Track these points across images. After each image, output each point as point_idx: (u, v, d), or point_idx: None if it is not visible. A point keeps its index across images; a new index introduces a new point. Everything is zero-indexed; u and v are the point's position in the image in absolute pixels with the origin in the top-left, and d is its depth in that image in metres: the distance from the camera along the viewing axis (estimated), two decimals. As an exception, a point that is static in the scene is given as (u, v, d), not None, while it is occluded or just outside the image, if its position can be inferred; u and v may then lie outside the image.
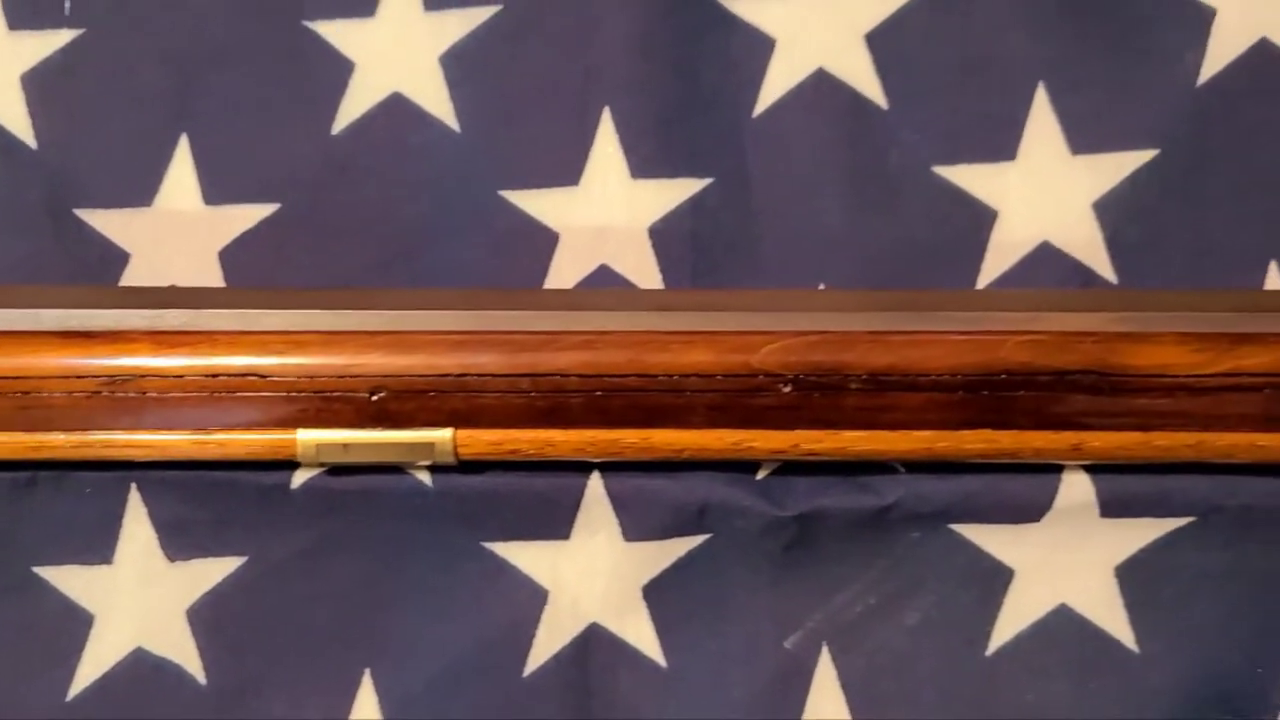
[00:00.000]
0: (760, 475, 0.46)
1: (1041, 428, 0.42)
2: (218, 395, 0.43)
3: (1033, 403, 0.42)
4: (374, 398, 0.43)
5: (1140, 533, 0.45)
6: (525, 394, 0.43)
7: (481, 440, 0.44)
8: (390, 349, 0.43)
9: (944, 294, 0.46)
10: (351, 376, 0.43)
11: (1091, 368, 0.42)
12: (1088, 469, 0.45)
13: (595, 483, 0.46)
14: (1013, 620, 0.46)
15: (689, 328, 0.43)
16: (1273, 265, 0.48)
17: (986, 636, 0.46)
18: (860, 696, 0.46)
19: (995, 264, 0.48)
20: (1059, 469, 0.45)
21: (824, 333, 0.42)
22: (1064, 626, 0.46)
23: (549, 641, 0.46)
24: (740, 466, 0.46)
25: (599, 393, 0.43)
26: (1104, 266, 0.48)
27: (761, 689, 0.46)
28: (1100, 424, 0.42)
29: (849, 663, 0.46)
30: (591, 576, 0.47)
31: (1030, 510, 0.45)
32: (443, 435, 0.43)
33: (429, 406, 0.43)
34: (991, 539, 0.46)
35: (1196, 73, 0.49)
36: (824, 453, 0.43)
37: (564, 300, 0.44)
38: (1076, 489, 0.45)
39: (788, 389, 0.42)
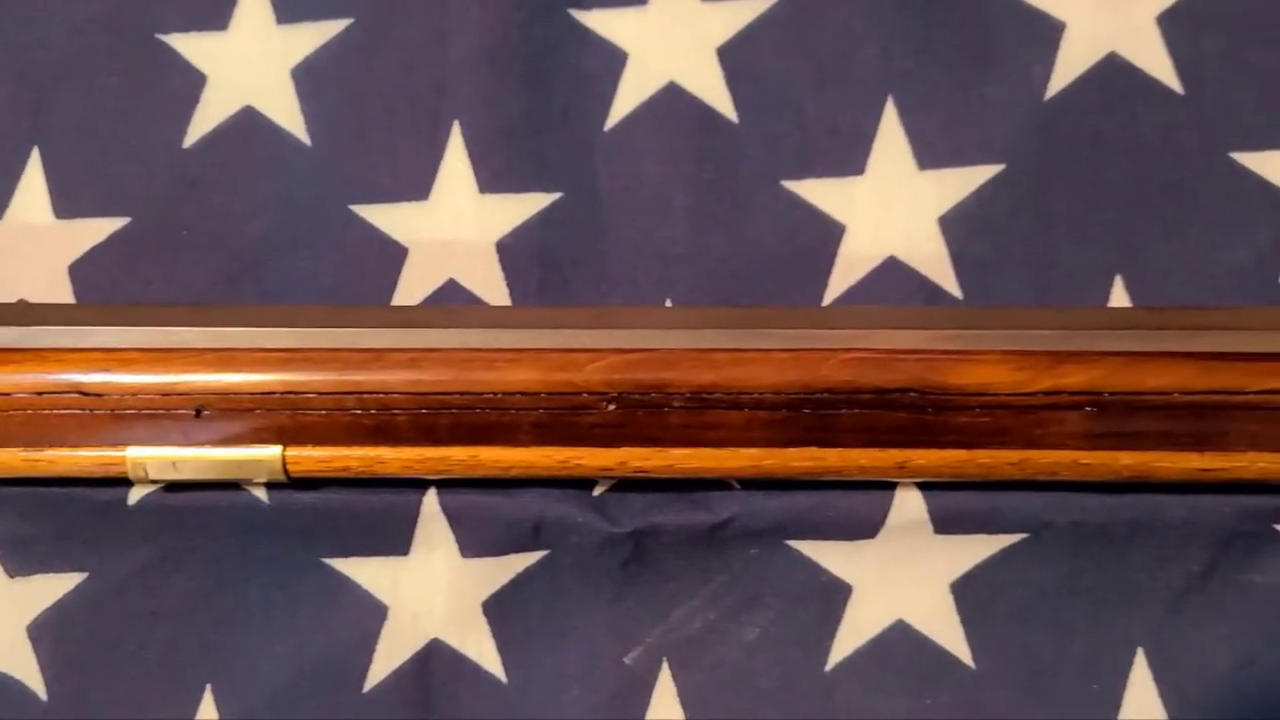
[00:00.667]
0: (597, 492, 0.46)
1: (866, 445, 0.42)
2: (45, 413, 0.43)
3: (856, 421, 0.42)
4: (200, 415, 0.43)
5: (974, 549, 0.45)
6: (352, 412, 0.43)
7: (310, 458, 0.43)
8: (216, 366, 0.43)
9: (782, 310, 0.46)
10: (178, 394, 0.43)
11: (912, 386, 0.42)
12: (920, 486, 0.45)
13: (431, 499, 0.46)
14: (851, 636, 0.46)
15: (517, 345, 0.43)
16: (1119, 280, 0.48)
17: (825, 652, 0.46)
18: (699, 712, 0.46)
19: (842, 279, 0.48)
20: (892, 486, 0.45)
21: (648, 351, 0.42)
22: (901, 642, 0.46)
23: (389, 657, 0.46)
24: (577, 483, 0.46)
25: (425, 410, 0.43)
26: (949, 282, 0.48)
27: (601, 705, 0.46)
28: (924, 441, 0.42)
29: (688, 678, 0.46)
30: (431, 592, 0.47)
31: (865, 526, 0.45)
32: (271, 453, 0.43)
33: (256, 424, 0.43)
34: (828, 555, 0.46)
35: (1044, 87, 0.49)
36: (652, 470, 0.43)
37: (393, 317, 0.44)
38: (909, 506, 0.45)
39: (611, 407, 0.42)
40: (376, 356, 0.43)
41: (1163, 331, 0.42)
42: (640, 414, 0.42)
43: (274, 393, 0.43)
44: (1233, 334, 0.42)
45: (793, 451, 0.43)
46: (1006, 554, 0.45)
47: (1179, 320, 0.42)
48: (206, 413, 0.43)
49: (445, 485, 0.46)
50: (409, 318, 0.44)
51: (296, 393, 0.43)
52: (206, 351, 0.43)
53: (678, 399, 0.42)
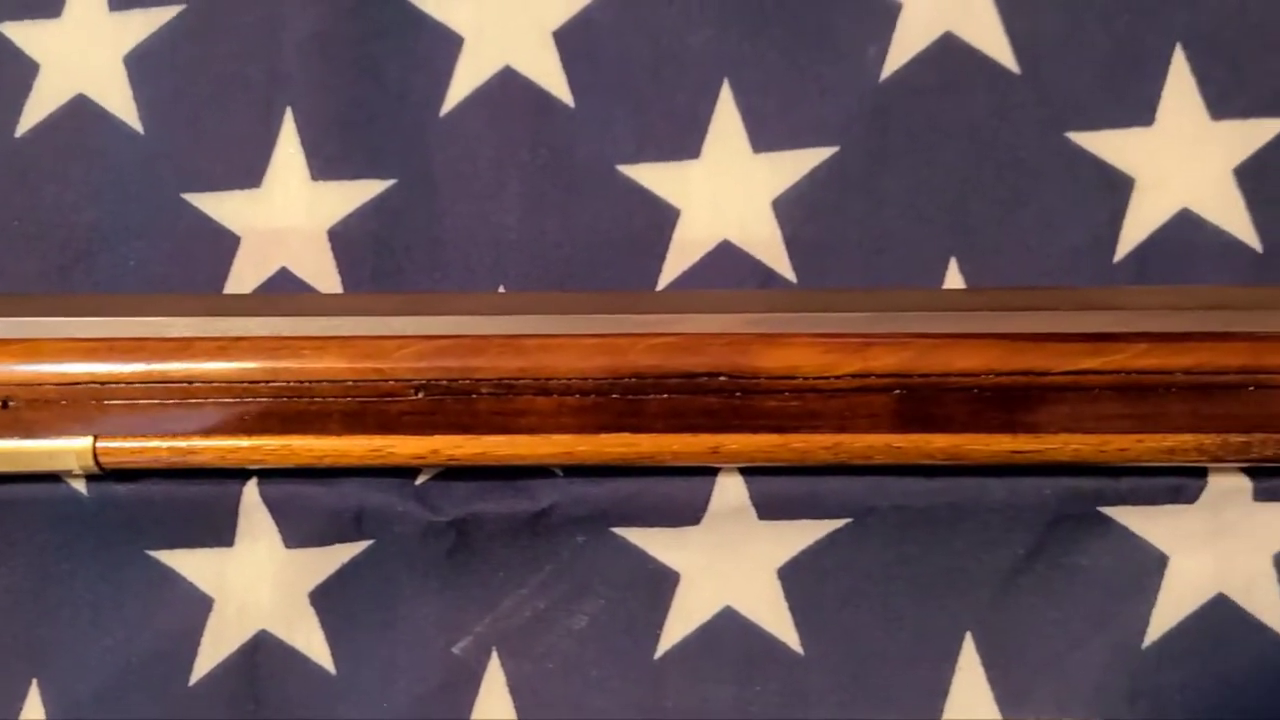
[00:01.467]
0: (419, 480, 0.46)
1: (678, 431, 0.42)
2: None
3: (665, 406, 0.42)
4: (7, 406, 0.43)
5: (799, 535, 0.45)
6: (162, 401, 0.42)
7: (122, 449, 0.43)
8: (22, 357, 0.42)
9: (599, 296, 0.46)
10: (-16, 385, 0.43)
11: (720, 370, 0.41)
12: (742, 471, 0.45)
13: (251, 489, 0.45)
14: (680, 624, 0.46)
15: (328, 332, 0.42)
16: (953, 262, 0.47)
17: (655, 640, 0.46)
18: (528, 701, 0.46)
19: (676, 263, 0.48)
20: (713, 471, 0.45)
21: (455, 337, 0.42)
22: (729, 629, 0.45)
23: (215, 650, 0.46)
24: (400, 472, 0.46)
25: (234, 400, 0.42)
26: (783, 265, 0.48)
27: (429, 694, 0.46)
28: (736, 426, 0.42)
29: (517, 667, 0.46)
30: (257, 584, 0.46)
31: (687, 513, 0.45)
32: (82, 444, 0.43)
33: (65, 415, 0.43)
34: (654, 542, 0.46)
35: (880, 67, 0.48)
36: (464, 458, 0.43)
37: (205, 305, 0.44)
38: (730, 492, 0.45)
39: (419, 395, 0.42)
40: (184, 345, 0.42)
41: (976, 313, 0.42)
42: (448, 401, 0.42)
43: (81, 383, 0.42)
44: (1045, 315, 0.41)
45: (605, 438, 0.42)
46: (831, 539, 0.45)
47: (994, 301, 0.42)
48: (13, 404, 0.42)
49: (266, 475, 0.45)
50: (222, 306, 0.44)
51: (104, 383, 0.42)
52: (12, 342, 0.42)
53: (485, 386, 0.42)
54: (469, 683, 0.46)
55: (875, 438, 0.42)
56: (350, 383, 0.42)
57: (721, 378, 0.41)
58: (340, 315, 0.43)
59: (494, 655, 0.46)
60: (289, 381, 0.42)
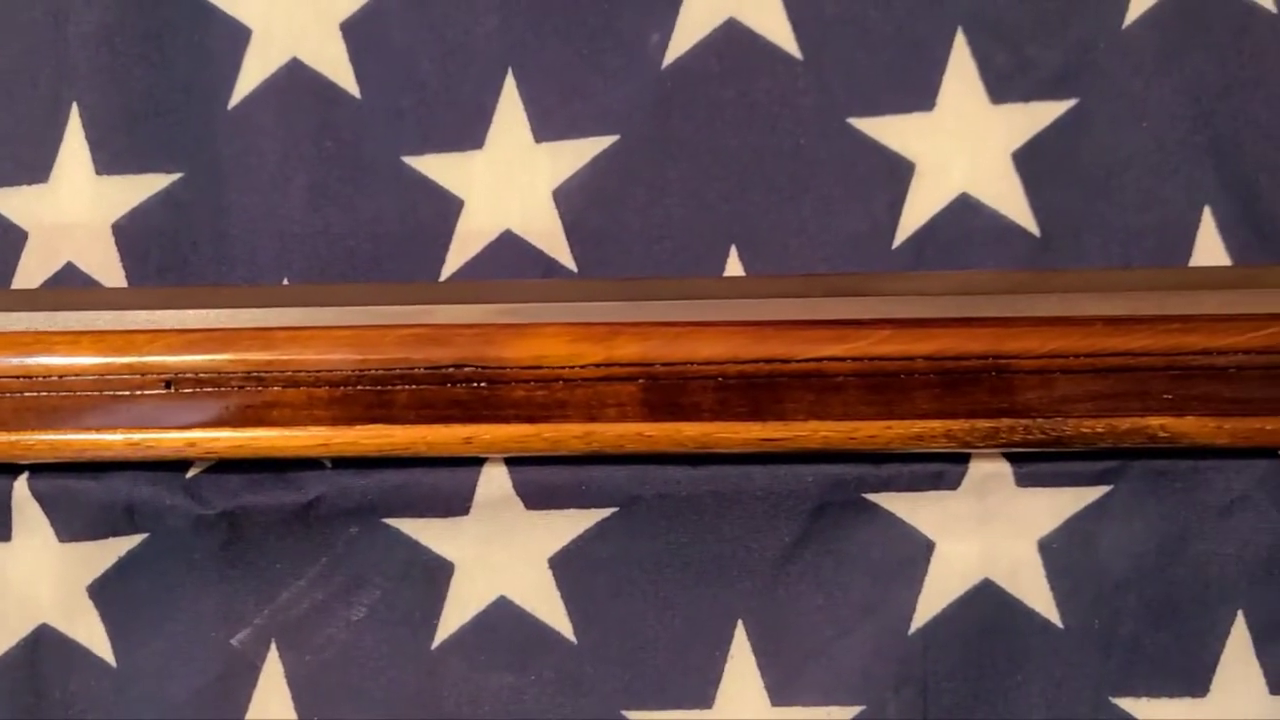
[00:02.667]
0: (191, 473, 0.46)
1: (430, 422, 0.42)
2: None
3: (415, 397, 0.42)
4: None
5: (568, 524, 0.45)
6: (-80, 397, 0.43)
7: (-117, 445, 0.43)
8: None
9: (363, 287, 0.46)
10: None
11: (467, 361, 0.41)
12: (506, 462, 0.45)
13: (21, 484, 0.46)
14: (456, 613, 0.46)
15: (84, 327, 0.42)
16: (733, 250, 0.47)
17: (432, 630, 0.46)
18: (307, 692, 0.46)
19: (459, 254, 0.48)
20: (479, 461, 0.45)
21: (204, 331, 0.42)
22: (504, 619, 0.46)
23: (-5, 644, 0.47)
24: (173, 465, 0.46)
25: (-7, 395, 0.43)
26: (564, 255, 0.47)
27: (208, 686, 0.46)
28: (488, 416, 0.42)
29: (296, 659, 0.46)
30: (36, 578, 0.46)
31: (455, 503, 0.45)
32: None
33: None
34: (426, 532, 0.46)
35: (662, 54, 0.48)
36: (223, 451, 0.43)
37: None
38: (495, 482, 0.45)
39: (169, 388, 0.42)
40: (-61, 341, 0.43)
41: (724, 301, 0.41)
42: (199, 393, 0.42)
43: None
44: (792, 302, 0.41)
45: (361, 429, 0.42)
46: (600, 528, 0.45)
47: (746, 289, 0.42)
48: None
49: (37, 470, 0.46)
50: (-21, 301, 0.44)
51: None
52: None
53: (235, 378, 0.42)
54: (248, 674, 0.46)
55: (626, 427, 0.42)
56: (103, 377, 0.42)
57: (468, 368, 0.41)
58: (104, 310, 0.43)
59: (273, 647, 0.46)
60: (45, 376, 0.42)
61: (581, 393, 0.41)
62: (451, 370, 0.41)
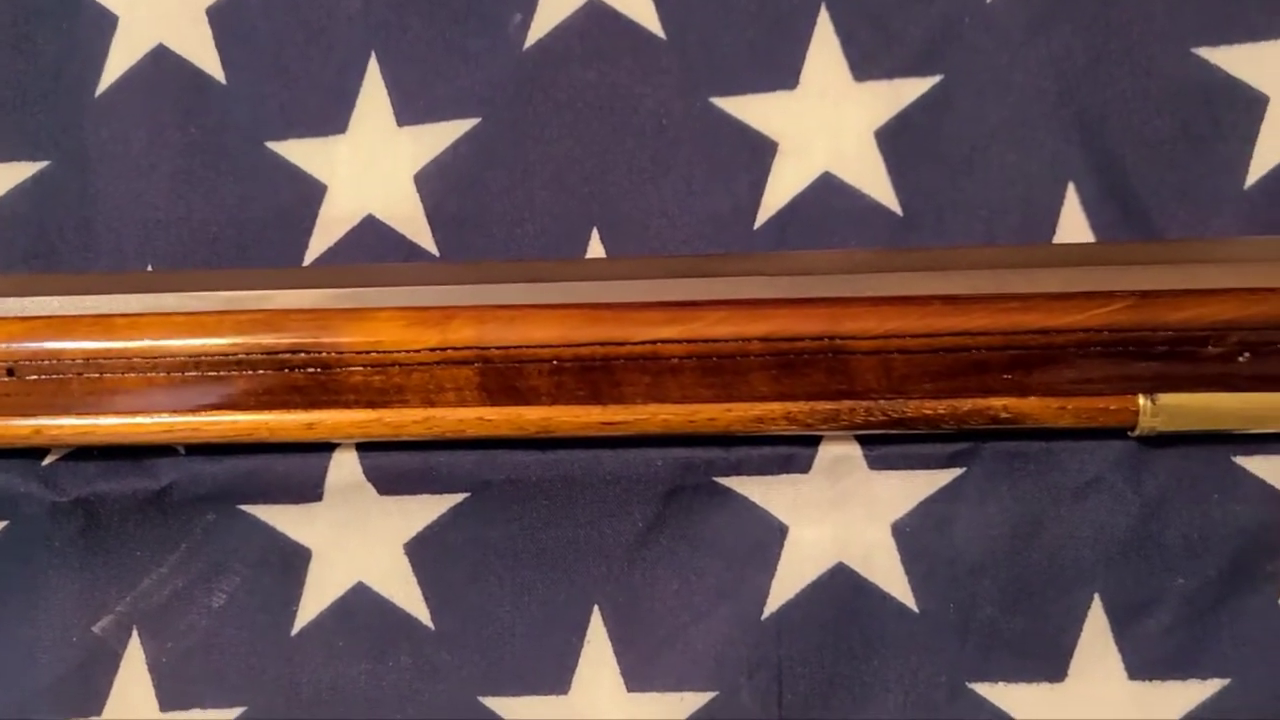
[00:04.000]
0: (48, 460, 0.46)
1: (271, 408, 0.42)
2: None
3: (255, 383, 0.41)
4: None
5: (422, 510, 0.45)
6: None
7: None
8: None
9: (212, 273, 0.45)
10: None
11: (301, 346, 0.41)
12: (357, 447, 0.44)
13: (-121, 473, 0.46)
14: (315, 600, 0.46)
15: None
16: (595, 232, 0.47)
17: (292, 617, 0.46)
18: (168, 679, 0.46)
19: (322, 240, 0.48)
20: (330, 447, 0.45)
21: (46, 318, 0.42)
22: (362, 605, 0.45)
23: None
24: (32, 453, 0.46)
25: None
26: (425, 239, 0.47)
27: (69, 674, 0.46)
28: (327, 402, 0.42)
29: (157, 646, 0.46)
30: (-100, 566, 0.47)
31: (307, 489, 0.45)
32: None
33: None
34: (282, 519, 0.45)
35: (524, 36, 0.48)
36: (68, 438, 0.43)
37: None
38: (346, 468, 0.44)
39: (10, 376, 0.42)
40: None
41: (564, 284, 0.41)
42: (41, 381, 0.42)
43: None
44: (630, 284, 0.40)
45: (201, 416, 0.42)
46: (454, 514, 0.45)
47: (579, 272, 0.41)
48: None
49: (-104, 458, 0.46)
50: None
51: None
52: None
53: (74, 365, 0.42)
54: (109, 662, 0.46)
55: (465, 411, 0.41)
56: (-55, 365, 0.42)
57: (303, 354, 0.41)
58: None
59: (135, 634, 0.46)
60: (-111, 365, 0.42)
61: (419, 377, 0.41)
62: (287, 356, 0.41)
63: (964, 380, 0.40)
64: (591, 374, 0.40)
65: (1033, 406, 0.40)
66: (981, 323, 0.39)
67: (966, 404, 0.40)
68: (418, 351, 0.41)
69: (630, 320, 0.40)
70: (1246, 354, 0.38)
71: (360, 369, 0.41)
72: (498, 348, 0.40)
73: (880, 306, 0.39)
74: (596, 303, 0.40)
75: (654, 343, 0.40)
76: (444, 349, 0.40)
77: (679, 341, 0.40)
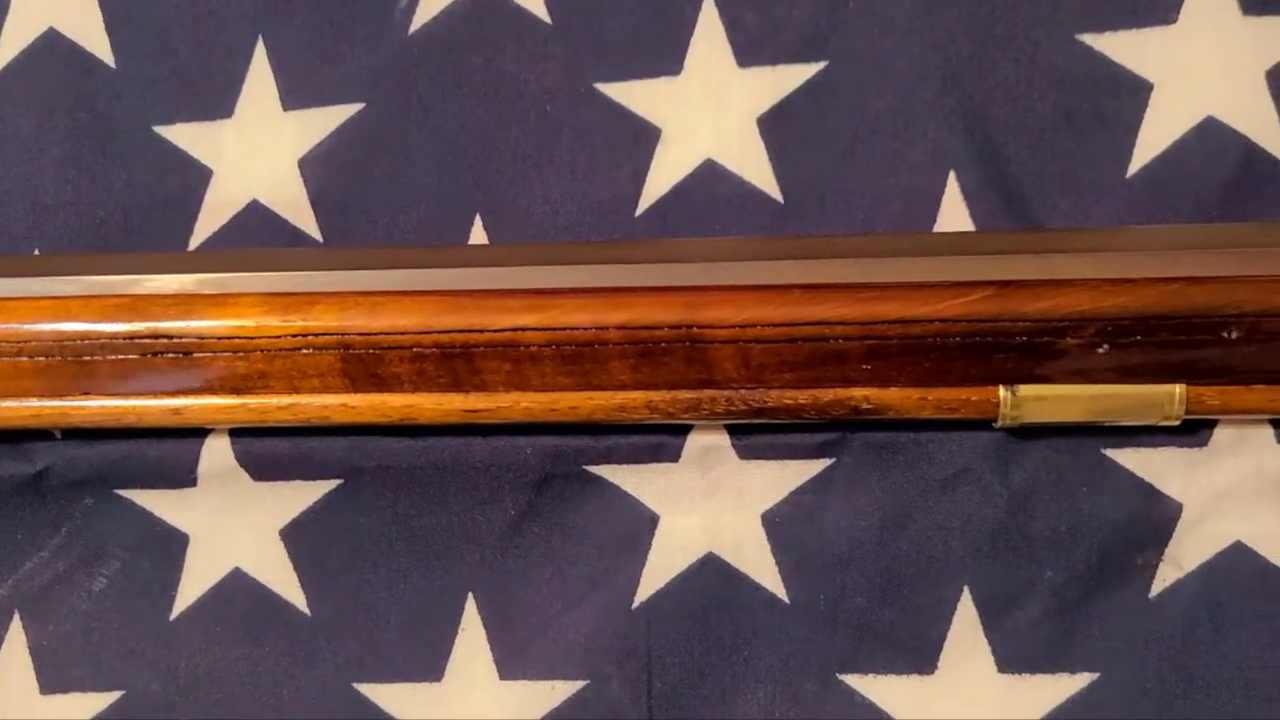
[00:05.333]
0: (-71, 444, 0.46)
1: (136, 393, 0.42)
2: None
3: (117, 368, 0.41)
4: None
5: (297, 496, 0.45)
6: None
7: None
8: None
9: (77, 258, 0.45)
10: None
11: (163, 331, 0.41)
12: (230, 433, 0.44)
13: None
14: (193, 585, 0.46)
15: None
16: (478, 219, 0.46)
17: (170, 602, 0.46)
18: (49, 663, 0.46)
19: (207, 225, 0.48)
20: (203, 433, 0.45)
21: (-95, 302, 0.42)
22: (239, 591, 0.45)
23: None
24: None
25: None
26: (310, 225, 0.47)
27: (-50, 659, 0.46)
28: (192, 388, 0.41)
29: (38, 629, 0.46)
30: None
31: (181, 474, 0.45)
32: None
33: None
34: (159, 504, 0.46)
35: (409, 21, 0.47)
36: (-63, 422, 0.43)
37: None
38: (219, 453, 0.44)
39: (-123, 359, 0.42)
40: None
41: (427, 270, 0.41)
42: (-91, 365, 0.42)
43: None
44: (487, 271, 0.40)
45: (68, 401, 0.42)
46: (328, 500, 0.45)
47: (446, 258, 0.41)
48: None
49: None
50: None
51: None
52: None
53: (-60, 349, 0.42)
54: (-10, 645, 0.47)
55: (330, 398, 0.41)
56: None
57: (162, 339, 0.41)
58: None
59: (16, 618, 0.46)
60: None
61: (281, 363, 0.41)
62: (149, 341, 0.41)
63: (823, 370, 0.39)
64: (452, 361, 0.40)
65: (894, 397, 0.39)
66: (839, 312, 0.38)
67: (828, 394, 0.40)
68: (279, 338, 0.40)
69: (489, 307, 0.40)
70: (1105, 345, 0.38)
71: (223, 355, 0.41)
72: (359, 334, 0.40)
73: (737, 295, 0.39)
74: (456, 290, 0.40)
75: (513, 330, 0.39)
76: (305, 335, 0.40)
77: (538, 329, 0.39)
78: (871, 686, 0.42)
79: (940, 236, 0.42)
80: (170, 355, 0.41)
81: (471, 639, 0.44)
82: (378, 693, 0.44)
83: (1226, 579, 0.41)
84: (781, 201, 0.45)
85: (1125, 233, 0.41)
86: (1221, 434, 0.41)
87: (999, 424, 0.40)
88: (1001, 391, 0.39)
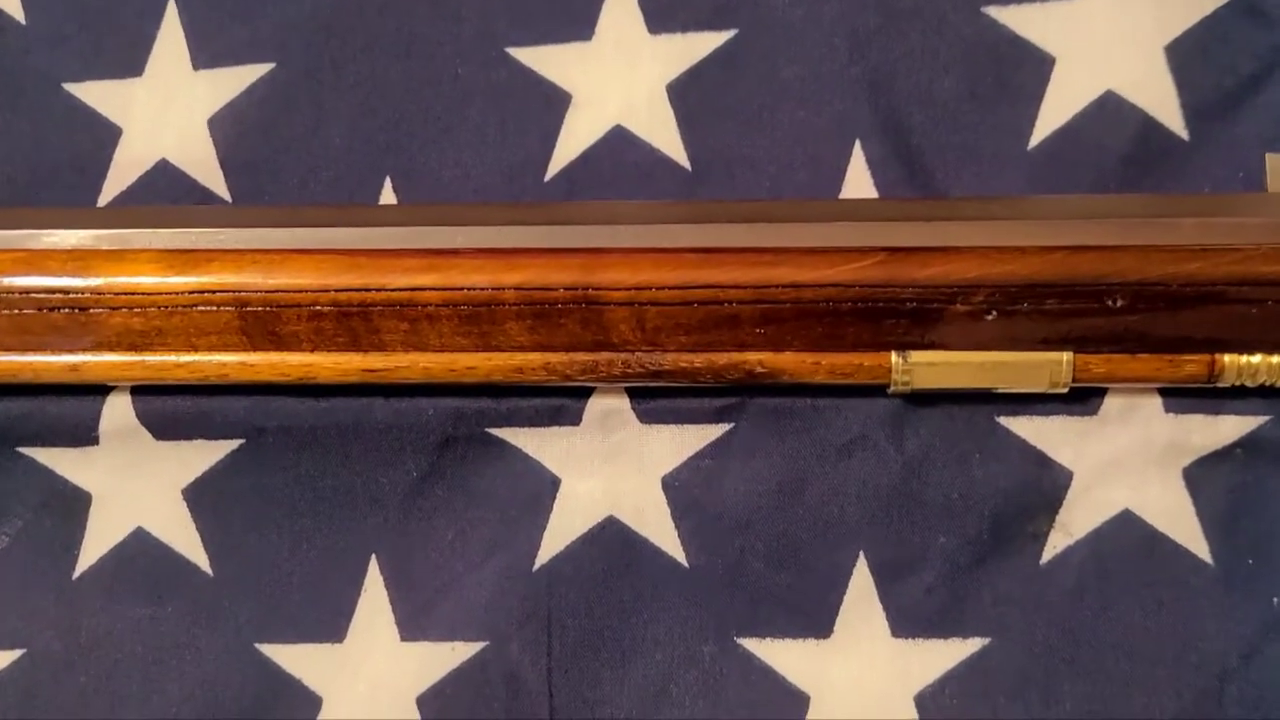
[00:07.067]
0: None
1: (33, 349, 0.41)
2: None
3: (15, 323, 0.41)
4: None
5: (199, 455, 0.45)
6: None
7: None
8: None
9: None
10: None
11: (58, 287, 0.40)
12: (132, 391, 0.44)
13: None
14: (95, 544, 0.46)
15: None
16: (388, 181, 0.46)
17: (73, 561, 0.46)
18: (-50, 622, 0.46)
19: (116, 183, 0.47)
20: (104, 390, 0.44)
21: None
22: (142, 550, 0.45)
23: None
24: None
25: None
26: (218, 185, 0.47)
27: None
28: (90, 344, 0.41)
29: (-59, 587, 0.46)
30: None
31: (83, 433, 0.45)
32: None
33: None
34: (61, 462, 0.45)
35: (321, -16, 0.47)
36: None
37: None
38: (119, 411, 0.44)
39: None
40: None
41: (328, 229, 0.40)
42: None
43: None
44: (386, 231, 0.40)
45: (-29, 356, 0.42)
46: (231, 460, 0.45)
47: (345, 218, 0.41)
48: None
49: None
50: None
51: None
52: None
53: None
54: (-109, 606, 0.46)
55: (228, 356, 0.41)
56: None
57: (58, 294, 0.41)
58: None
59: (-82, 575, 0.46)
60: None
61: (178, 320, 0.41)
62: (44, 296, 0.41)
63: (718, 334, 0.39)
64: (349, 320, 0.40)
65: (788, 361, 0.40)
66: (732, 276, 0.39)
67: (723, 358, 0.40)
68: (176, 294, 0.40)
69: (386, 267, 0.40)
70: (994, 312, 0.38)
71: (119, 311, 0.41)
72: (255, 292, 0.40)
73: (633, 258, 0.39)
74: (354, 249, 0.40)
75: (410, 290, 0.40)
76: (202, 292, 0.40)
77: (435, 289, 0.39)
78: (769, 650, 0.43)
79: (837, 204, 0.42)
80: (66, 311, 0.41)
81: (374, 600, 0.44)
82: (280, 653, 0.44)
83: (1114, 546, 0.41)
84: (689, 169, 0.45)
85: (1019, 202, 0.42)
86: (1111, 403, 0.42)
87: (892, 389, 0.40)
88: (893, 357, 0.39)
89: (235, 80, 0.47)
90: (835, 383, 0.40)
